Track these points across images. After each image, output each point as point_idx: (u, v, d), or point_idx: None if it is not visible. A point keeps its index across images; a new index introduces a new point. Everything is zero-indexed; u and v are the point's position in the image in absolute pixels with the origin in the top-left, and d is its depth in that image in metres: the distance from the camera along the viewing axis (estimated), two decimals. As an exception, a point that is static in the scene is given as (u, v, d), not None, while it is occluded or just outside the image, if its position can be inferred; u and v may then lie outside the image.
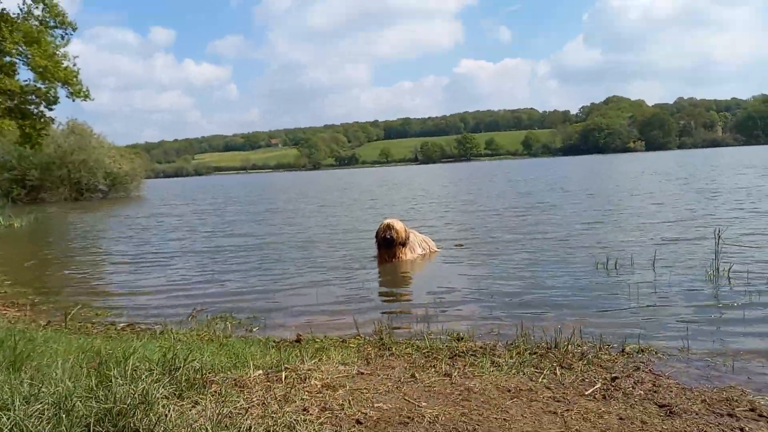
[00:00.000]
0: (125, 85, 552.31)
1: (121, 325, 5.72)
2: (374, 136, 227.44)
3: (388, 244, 8.64)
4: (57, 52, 29.76)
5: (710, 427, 2.89)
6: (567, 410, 3.08)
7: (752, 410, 3.12)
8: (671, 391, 3.40)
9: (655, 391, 3.39)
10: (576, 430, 2.85)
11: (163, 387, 2.97)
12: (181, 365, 3.33)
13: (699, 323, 4.93)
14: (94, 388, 2.82)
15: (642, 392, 3.38)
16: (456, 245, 10.07)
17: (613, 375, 3.65)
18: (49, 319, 6.04)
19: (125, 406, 2.62)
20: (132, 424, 2.55)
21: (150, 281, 8.36)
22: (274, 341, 4.76)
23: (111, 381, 2.88)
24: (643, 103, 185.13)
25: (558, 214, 14.17)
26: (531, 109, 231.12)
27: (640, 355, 4.11)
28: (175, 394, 3.03)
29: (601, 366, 3.85)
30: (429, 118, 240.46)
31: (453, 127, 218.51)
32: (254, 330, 5.42)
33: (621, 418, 2.98)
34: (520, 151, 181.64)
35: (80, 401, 2.67)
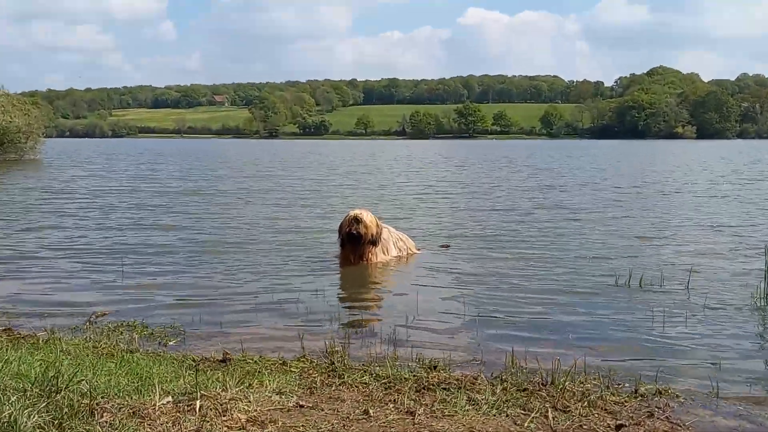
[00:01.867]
0: (23, 13, 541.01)
1: (-4, 329, 5.66)
2: (351, 99, 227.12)
3: (353, 242, 8.68)
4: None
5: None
6: (555, 464, 3.16)
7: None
8: (689, 446, 3.51)
9: (669, 445, 3.50)
10: (563, 489, 2.93)
11: (37, 413, 2.97)
12: (65, 386, 3.33)
13: (735, 361, 5.06)
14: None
15: (652, 445, 3.47)
16: (441, 247, 10.16)
17: (619, 422, 3.74)
18: None
19: (-17, 435, 2.62)
20: (-9, 460, 2.55)
21: (39, 275, 8.28)
22: (193, 360, 4.78)
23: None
24: (697, 77, 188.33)
25: (576, 216, 14.34)
26: (554, 77, 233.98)
27: (656, 399, 4.22)
28: (52, 423, 3.03)
29: (605, 410, 3.94)
30: (422, 80, 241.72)
31: (453, 95, 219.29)
32: (170, 344, 5.43)
33: (621, 477, 3.07)
34: (538, 129, 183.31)
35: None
